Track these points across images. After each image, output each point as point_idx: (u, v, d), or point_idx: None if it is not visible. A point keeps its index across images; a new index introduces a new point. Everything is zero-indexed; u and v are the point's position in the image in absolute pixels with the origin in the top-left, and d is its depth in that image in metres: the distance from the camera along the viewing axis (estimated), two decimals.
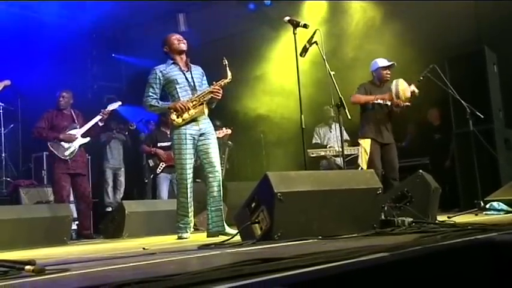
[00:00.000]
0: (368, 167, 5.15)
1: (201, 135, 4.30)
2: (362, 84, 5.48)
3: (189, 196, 4.29)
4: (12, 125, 7.17)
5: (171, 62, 4.41)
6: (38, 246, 4.31)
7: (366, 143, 5.29)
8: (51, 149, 5.90)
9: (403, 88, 5.16)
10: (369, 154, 5.24)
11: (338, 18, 8.06)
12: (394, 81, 5.26)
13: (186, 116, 4.21)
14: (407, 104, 5.27)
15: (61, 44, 8.21)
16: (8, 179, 6.88)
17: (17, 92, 6.78)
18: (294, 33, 4.01)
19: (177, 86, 4.30)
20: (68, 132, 5.95)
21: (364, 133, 5.37)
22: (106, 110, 6.06)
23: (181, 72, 4.35)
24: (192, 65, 4.47)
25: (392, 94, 5.21)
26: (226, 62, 4.30)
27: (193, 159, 4.35)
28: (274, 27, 7.84)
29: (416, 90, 5.29)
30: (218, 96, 4.27)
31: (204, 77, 4.51)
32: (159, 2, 8.11)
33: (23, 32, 7.88)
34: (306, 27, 4.02)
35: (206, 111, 4.32)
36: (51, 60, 7.95)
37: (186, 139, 4.23)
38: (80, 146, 5.99)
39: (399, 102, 5.23)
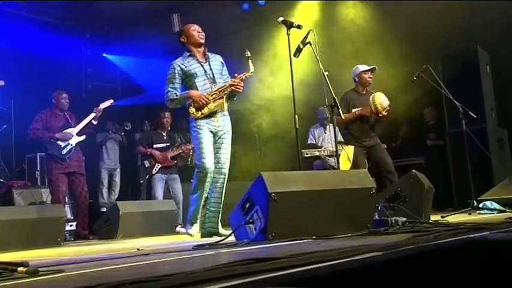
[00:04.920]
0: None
1: (218, 132, 4.16)
2: (344, 96, 5.39)
3: (208, 189, 4.15)
4: (5, 126, 7.14)
5: (188, 54, 4.26)
6: (31, 248, 4.29)
7: (349, 150, 5.28)
8: (48, 149, 5.95)
9: (380, 101, 5.21)
10: (352, 161, 5.24)
11: (332, 18, 8.08)
12: (371, 96, 5.28)
13: (205, 110, 4.06)
14: (385, 114, 5.25)
15: (54, 44, 8.18)
16: (1, 180, 6.84)
17: (10, 92, 6.75)
18: (288, 34, 3.99)
19: (196, 80, 4.15)
20: (63, 131, 6.01)
21: (348, 140, 5.40)
22: (99, 107, 6.13)
23: (199, 65, 4.20)
24: (210, 54, 4.30)
25: (371, 107, 5.23)
26: (249, 54, 4.09)
27: (213, 152, 4.15)
28: (269, 27, 7.84)
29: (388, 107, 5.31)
30: (239, 89, 4.11)
31: (224, 66, 4.34)
32: (153, 3, 8.10)
33: (15, 32, 7.84)
34: (300, 28, 4.01)
35: (226, 105, 4.15)
36: (44, 60, 7.92)
37: (207, 132, 4.09)
38: (77, 144, 6.04)
39: (378, 114, 5.25)
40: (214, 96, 4.10)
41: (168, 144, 6.78)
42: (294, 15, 8.06)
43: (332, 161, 6.87)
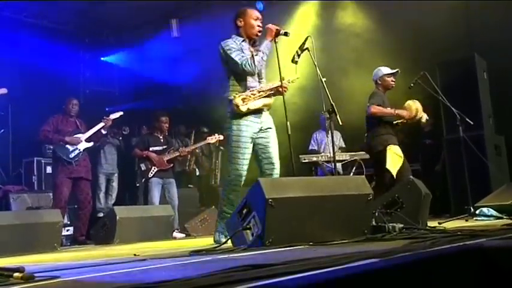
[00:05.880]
0: (405, 173, 4.96)
1: (260, 130, 3.88)
2: (375, 93, 5.26)
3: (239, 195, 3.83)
4: (2, 130, 7.13)
5: (241, 39, 3.90)
6: (27, 253, 4.27)
7: (397, 149, 5.06)
8: (56, 151, 6.05)
9: (420, 108, 5.19)
10: (402, 159, 5.03)
11: (330, 23, 8.12)
12: (411, 102, 5.21)
13: (251, 106, 3.79)
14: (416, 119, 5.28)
15: (53, 48, 8.19)
16: None
17: (7, 97, 6.76)
18: (275, 42, 3.89)
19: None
20: (73, 136, 6.13)
21: (388, 140, 5.11)
22: (108, 118, 6.35)
23: (250, 54, 3.85)
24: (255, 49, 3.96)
25: (411, 114, 5.15)
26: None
27: (250, 155, 3.85)
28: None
29: (425, 119, 5.31)
30: (285, 92, 3.87)
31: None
32: (153, 7, 8.12)
33: (13, 37, 7.84)
34: (287, 36, 3.90)
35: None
36: (42, 65, 7.92)
37: (246, 131, 3.79)
38: (84, 149, 6.17)
39: (413, 119, 5.21)
40: (261, 93, 3.85)
41: (165, 147, 6.79)
42: (293, 20, 8.09)
43: (330, 166, 6.89)
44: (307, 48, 4.09)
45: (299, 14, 8.34)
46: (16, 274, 1.67)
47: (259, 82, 3.94)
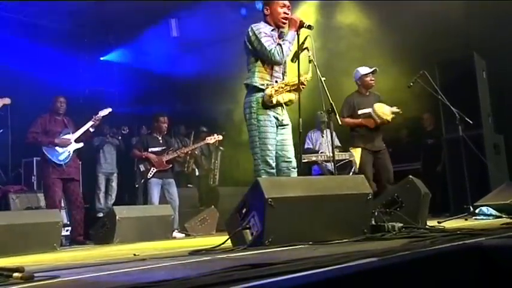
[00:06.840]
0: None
1: (279, 125, 3.81)
2: (346, 100, 5.50)
3: None
4: (1, 130, 7.12)
5: (271, 28, 3.80)
6: (27, 253, 4.27)
7: (356, 152, 5.34)
8: (46, 153, 5.97)
9: (382, 112, 5.34)
10: (358, 163, 5.29)
11: (329, 23, 8.12)
12: (371, 109, 5.38)
13: (280, 99, 3.70)
14: (389, 119, 5.41)
15: (52, 48, 8.18)
16: None
17: (7, 97, 6.75)
18: (298, 34, 3.83)
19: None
20: (62, 137, 6.04)
21: (354, 142, 5.45)
22: (97, 116, 6.22)
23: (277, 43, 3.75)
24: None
25: (375, 120, 5.36)
26: (315, 62, 3.84)
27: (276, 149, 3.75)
28: None
29: (397, 110, 5.40)
30: (302, 89, 3.82)
31: None
32: (152, 7, 8.13)
33: (13, 36, 7.83)
34: (311, 29, 3.84)
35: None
36: (42, 64, 7.91)
37: (271, 124, 3.71)
38: (74, 151, 6.08)
39: (383, 122, 5.39)
40: (287, 87, 3.77)
41: (164, 148, 6.79)
42: None
43: (329, 166, 6.89)
44: (306, 48, 4.08)
45: (299, 13, 8.33)
46: (16, 274, 1.67)
47: (283, 73, 3.84)
